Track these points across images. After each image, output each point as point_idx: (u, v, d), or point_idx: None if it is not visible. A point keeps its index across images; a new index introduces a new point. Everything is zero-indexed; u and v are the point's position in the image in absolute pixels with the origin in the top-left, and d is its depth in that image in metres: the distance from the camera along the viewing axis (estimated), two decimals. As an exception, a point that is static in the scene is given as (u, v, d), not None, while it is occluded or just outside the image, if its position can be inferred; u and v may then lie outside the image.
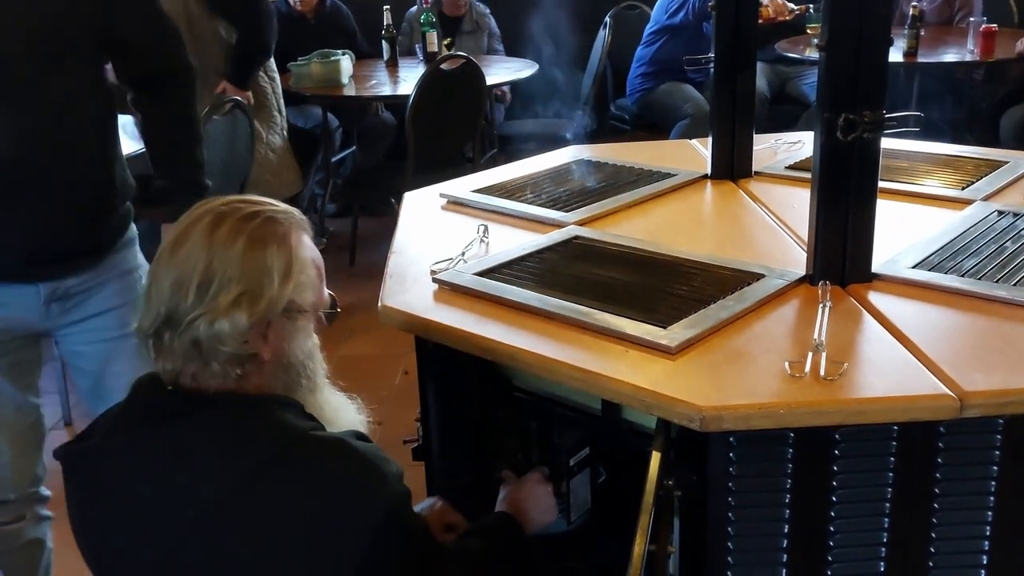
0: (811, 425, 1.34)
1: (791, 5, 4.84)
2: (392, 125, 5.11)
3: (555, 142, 3.86)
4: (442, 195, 2.26)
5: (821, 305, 1.54)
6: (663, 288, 1.68)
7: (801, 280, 1.69)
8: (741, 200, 2.20)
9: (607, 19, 5.27)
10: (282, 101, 4.25)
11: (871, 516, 1.43)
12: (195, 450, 1.25)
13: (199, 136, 2.12)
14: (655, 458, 1.33)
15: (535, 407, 1.72)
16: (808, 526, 1.42)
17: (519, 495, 1.62)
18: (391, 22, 5.01)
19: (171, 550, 1.24)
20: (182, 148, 2.08)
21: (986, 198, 2.09)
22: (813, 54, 4.62)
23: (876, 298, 1.62)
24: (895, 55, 4.47)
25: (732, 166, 2.32)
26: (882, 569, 1.45)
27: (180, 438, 1.27)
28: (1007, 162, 2.32)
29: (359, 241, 4.59)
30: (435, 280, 1.75)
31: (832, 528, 1.43)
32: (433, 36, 4.93)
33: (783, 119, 4.94)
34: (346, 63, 4.65)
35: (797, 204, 1.95)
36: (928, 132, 3.65)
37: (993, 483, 1.42)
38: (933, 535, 1.44)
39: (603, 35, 5.20)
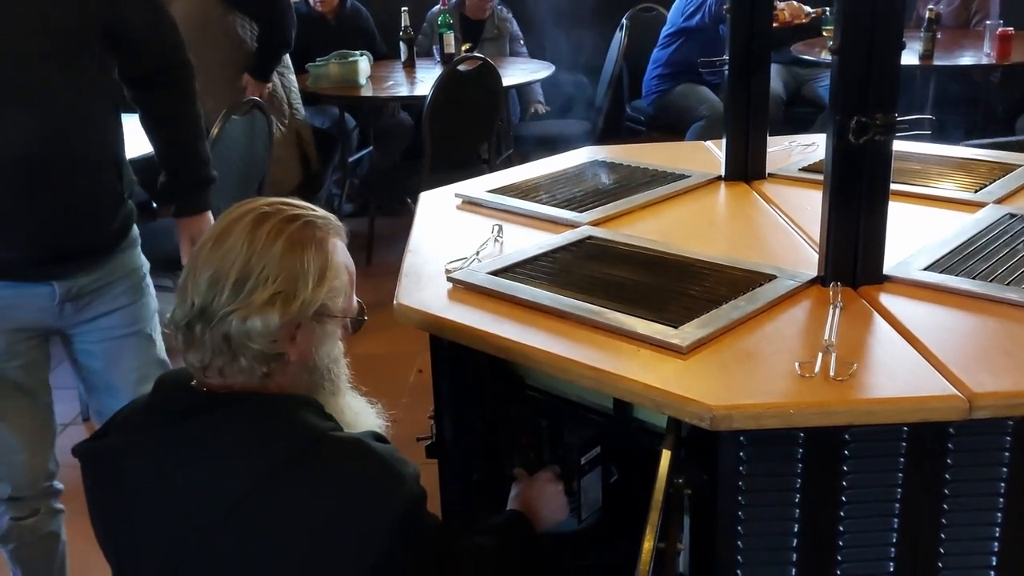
0: (821, 425, 1.35)
1: (807, 8, 4.84)
2: (409, 125, 5.14)
3: (572, 143, 3.87)
4: (457, 195, 2.27)
5: (832, 306, 1.55)
6: (675, 288, 1.69)
7: (813, 281, 1.70)
8: (754, 202, 2.21)
9: (623, 21, 5.28)
10: (294, 95, 4.27)
11: (881, 516, 1.44)
12: (217, 448, 1.27)
13: (203, 131, 2.15)
14: (665, 456, 1.35)
15: (547, 406, 1.74)
16: (818, 525, 1.43)
17: (531, 493, 1.64)
18: (409, 23, 5.03)
19: (191, 547, 1.26)
20: (188, 143, 2.10)
21: (999, 201, 2.09)
22: (829, 56, 4.62)
23: (887, 300, 1.63)
24: (911, 58, 4.47)
25: (746, 168, 2.33)
26: (891, 569, 1.46)
27: (202, 436, 1.29)
28: (1021, 165, 2.32)
29: (375, 240, 4.62)
30: (450, 279, 1.77)
31: (842, 528, 1.44)
32: (450, 37, 4.95)
33: (799, 121, 4.94)
34: (364, 64, 4.68)
35: (810, 206, 1.96)
36: (944, 135, 3.66)
37: (1003, 484, 1.43)
38: (943, 536, 1.45)
39: (619, 37, 5.21)
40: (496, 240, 1.94)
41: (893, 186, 2.04)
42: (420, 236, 2.05)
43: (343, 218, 1.44)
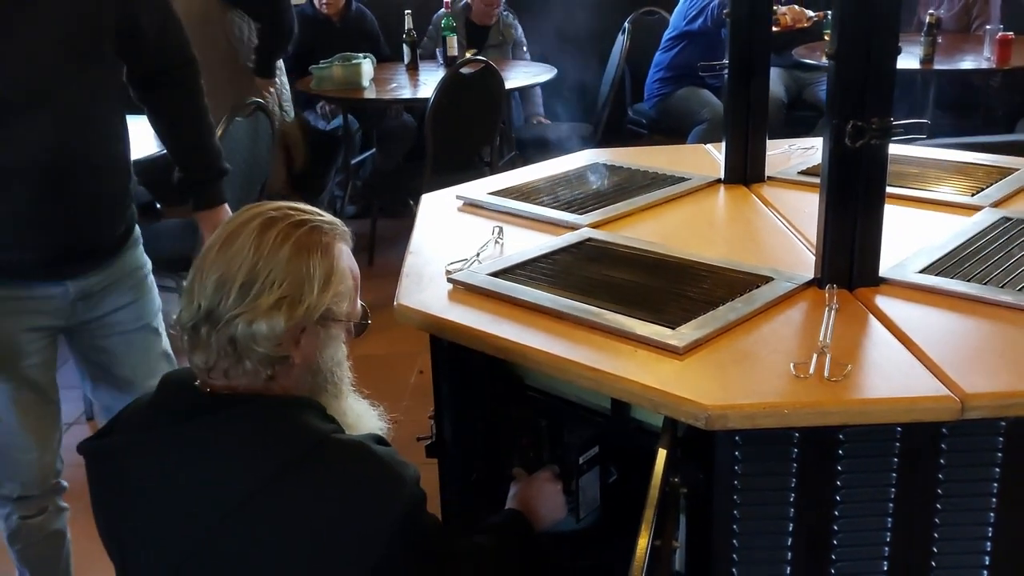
0: (814, 425, 1.37)
1: (809, 12, 4.85)
2: (412, 127, 5.16)
3: (573, 146, 3.89)
4: (458, 197, 2.29)
5: (827, 308, 1.57)
6: (673, 290, 1.71)
7: (809, 284, 1.71)
8: (753, 204, 2.23)
9: (626, 24, 5.29)
10: (285, 97, 4.29)
11: (875, 516, 1.45)
12: (220, 449, 1.29)
13: (212, 125, 2.18)
14: (661, 455, 1.36)
15: (546, 406, 1.76)
16: (813, 524, 1.45)
17: (529, 492, 1.65)
18: (412, 26, 5.05)
19: (193, 547, 1.27)
20: (201, 138, 2.14)
21: (995, 204, 2.11)
22: (830, 60, 4.62)
23: (883, 302, 1.65)
24: (912, 62, 4.48)
25: (745, 171, 2.35)
26: (885, 568, 1.48)
27: (206, 436, 1.30)
28: (1018, 169, 2.34)
29: (378, 242, 4.65)
30: (450, 280, 1.79)
31: (836, 527, 1.45)
32: (453, 40, 4.97)
33: (800, 124, 4.96)
34: (367, 66, 4.70)
35: (808, 209, 1.98)
36: (944, 139, 3.67)
37: (995, 484, 1.44)
38: (936, 535, 1.46)
39: (621, 40, 5.23)
40: (496, 242, 1.96)
41: (891, 189, 2.06)
42: (421, 237, 2.07)
43: (346, 220, 1.46)
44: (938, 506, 1.45)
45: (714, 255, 1.86)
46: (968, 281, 1.70)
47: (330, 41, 4.93)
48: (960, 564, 1.49)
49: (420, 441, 1.92)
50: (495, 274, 1.79)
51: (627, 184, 2.35)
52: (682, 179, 2.37)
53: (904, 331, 1.54)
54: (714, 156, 2.62)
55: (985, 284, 1.68)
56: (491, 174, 2.85)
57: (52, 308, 1.95)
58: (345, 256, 1.39)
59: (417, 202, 2.34)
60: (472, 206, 2.25)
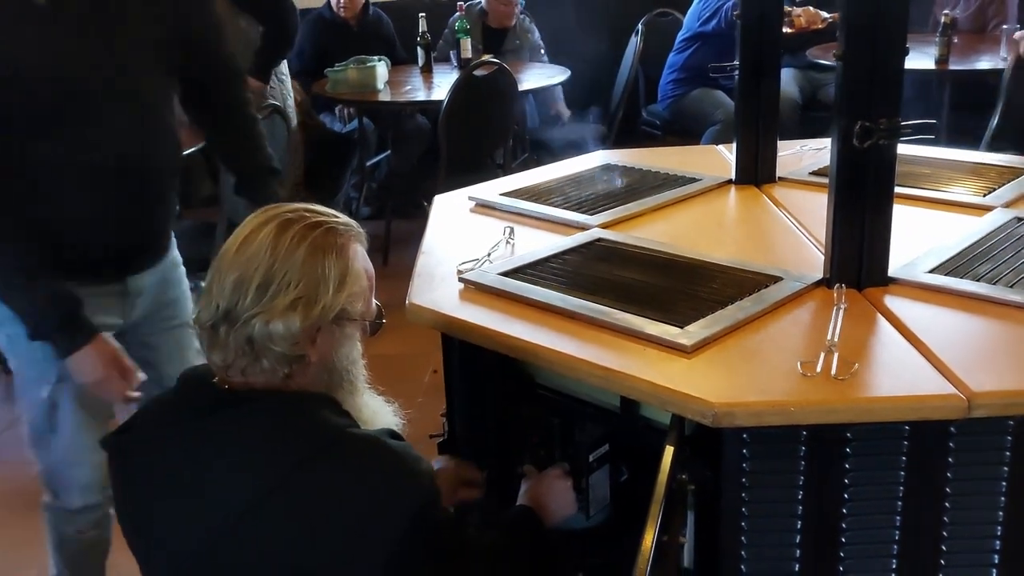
0: (821, 423, 1.38)
1: (824, 14, 4.85)
2: (427, 129, 5.18)
3: (587, 147, 3.90)
4: (471, 198, 2.31)
5: (836, 307, 1.58)
6: (682, 289, 1.72)
7: (818, 283, 1.72)
8: (764, 205, 2.24)
9: (639, 26, 5.30)
10: (289, 103, 4.31)
11: (883, 514, 1.46)
12: (239, 444, 1.32)
13: (260, 132, 2.20)
14: (668, 452, 1.38)
15: (557, 404, 1.77)
16: (821, 522, 1.46)
17: (540, 489, 1.67)
18: (426, 29, 5.08)
19: (213, 540, 1.30)
20: (255, 140, 2.16)
21: (1007, 205, 2.11)
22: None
23: (891, 301, 1.66)
24: (927, 62, 4.47)
25: (756, 171, 2.36)
26: (894, 566, 1.48)
27: (225, 432, 1.33)
28: (1031, 170, 2.34)
29: (392, 242, 4.67)
30: (461, 279, 1.80)
31: (844, 525, 1.46)
32: (467, 43, 4.99)
33: (815, 125, 4.94)
34: (381, 69, 4.73)
35: (819, 209, 1.98)
36: (961, 139, 3.67)
37: (1004, 483, 1.45)
38: (944, 533, 1.47)
39: (635, 42, 5.23)
40: (508, 242, 1.98)
41: (902, 190, 2.06)
42: (433, 238, 2.09)
43: (361, 221, 1.48)
44: (947, 505, 1.46)
45: (724, 255, 1.87)
46: (978, 281, 1.70)
47: (347, 44, 4.96)
48: (969, 563, 1.49)
49: (432, 438, 1.94)
50: (506, 274, 1.80)
51: (638, 185, 2.37)
52: (693, 180, 2.38)
53: (912, 330, 1.55)
54: (725, 157, 2.62)
55: (995, 284, 1.69)
56: (504, 175, 2.87)
57: (113, 306, 1.98)
58: (360, 257, 1.41)
59: (431, 203, 2.36)
60: (484, 207, 2.27)
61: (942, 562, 1.48)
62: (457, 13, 5.17)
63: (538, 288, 1.73)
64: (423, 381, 3.32)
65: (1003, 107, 3.91)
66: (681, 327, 1.55)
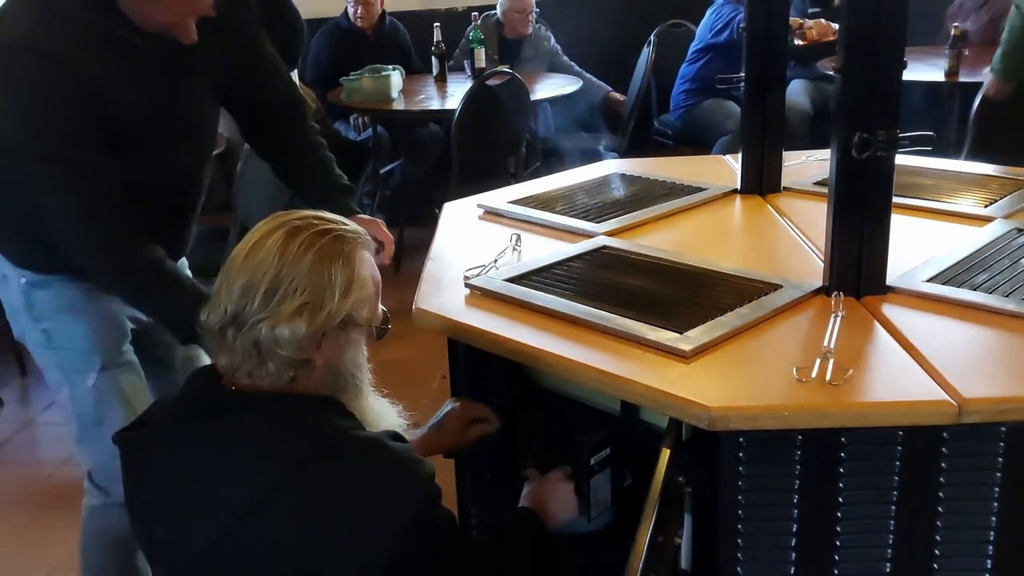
0: (814, 427, 1.41)
1: (835, 26, 4.85)
2: (441, 137, 5.23)
3: (598, 157, 3.93)
4: (479, 205, 2.35)
5: (833, 315, 1.61)
6: (684, 297, 1.75)
7: (817, 291, 1.75)
8: (768, 214, 2.27)
9: (651, 37, 5.34)
10: None
11: (878, 518, 1.49)
12: (244, 445, 1.35)
13: (326, 156, 2.21)
14: (664, 454, 1.41)
15: (560, 409, 1.80)
16: (816, 525, 1.49)
17: (542, 491, 1.70)
18: (440, 39, 5.13)
19: (218, 537, 1.33)
20: (321, 166, 2.18)
21: (1008, 216, 2.14)
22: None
23: (889, 309, 1.69)
24: (936, 75, 4.50)
25: (761, 181, 2.39)
26: (888, 569, 1.51)
27: (231, 432, 1.37)
28: (1033, 181, 2.37)
29: (405, 250, 4.71)
30: (467, 285, 1.84)
31: (839, 528, 1.49)
32: (481, 52, 5.04)
33: (826, 136, 4.93)
34: (396, 78, 4.78)
35: (821, 219, 2.01)
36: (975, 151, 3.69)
37: (997, 489, 1.47)
38: (938, 538, 1.50)
39: (646, 52, 5.27)
40: (514, 249, 2.01)
41: (905, 200, 2.10)
42: (442, 244, 2.13)
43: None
44: (940, 509, 1.48)
45: (726, 263, 1.90)
46: (975, 290, 1.73)
47: (363, 54, 5.02)
48: (962, 567, 1.51)
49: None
50: (511, 280, 1.84)
51: (644, 193, 2.40)
52: (699, 189, 2.41)
53: (908, 338, 1.57)
54: (732, 167, 2.65)
55: (991, 293, 1.71)
56: (516, 184, 2.91)
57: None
58: (366, 264, 1.44)
59: (442, 211, 2.40)
60: (492, 214, 2.31)
61: (935, 566, 1.51)
62: (472, 23, 5.22)
63: (543, 294, 1.77)
64: (432, 387, 3.35)
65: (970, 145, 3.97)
66: (680, 333, 1.58)
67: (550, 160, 5.01)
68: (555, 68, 5.45)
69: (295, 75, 4.26)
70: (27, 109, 1.72)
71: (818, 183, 2.42)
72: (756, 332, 1.62)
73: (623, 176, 2.58)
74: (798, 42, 5.03)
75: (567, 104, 5.08)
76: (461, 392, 1.91)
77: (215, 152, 2.27)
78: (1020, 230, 2.03)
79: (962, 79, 4.48)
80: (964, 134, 4.22)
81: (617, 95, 5.46)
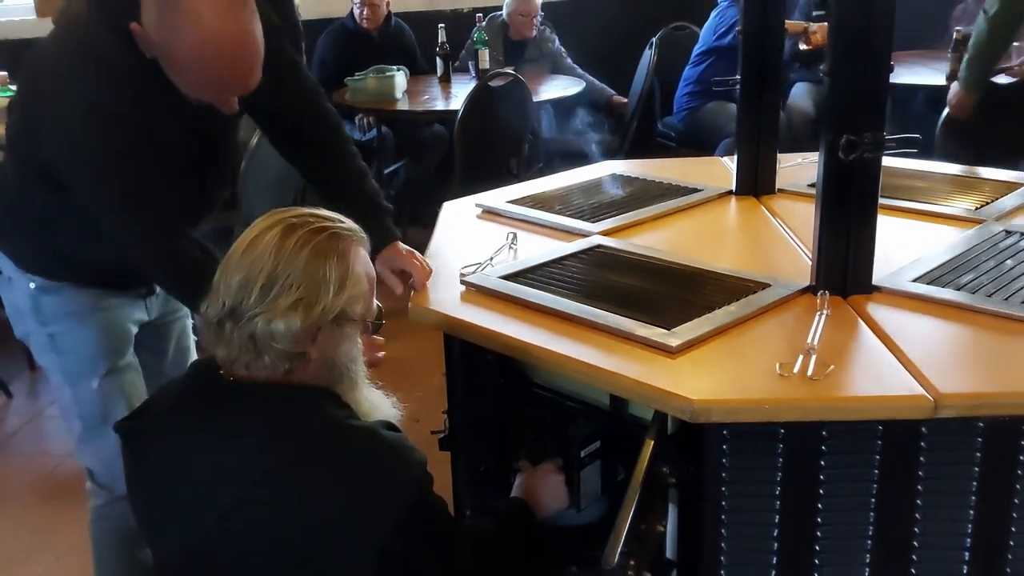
0: (794, 420, 1.45)
1: (838, 29, 4.89)
2: (445, 138, 5.27)
3: (601, 158, 3.96)
4: (477, 205, 2.39)
5: (818, 313, 1.65)
6: (675, 295, 1.79)
7: (805, 290, 1.79)
8: (761, 215, 2.31)
9: (654, 40, 5.37)
10: None
11: (858, 510, 1.53)
12: (242, 433, 1.40)
13: (365, 172, 2.20)
14: (647, 445, 1.45)
15: (552, 403, 1.84)
16: (798, 516, 1.52)
17: (533, 483, 1.74)
18: (445, 40, 5.18)
19: (213, 524, 1.38)
20: (354, 188, 2.16)
21: (998, 218, 2.17)
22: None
23: (873, 308, 1.72)
24: (937, 78, 4.53)
25: (755, 183, 2.43)
26: (868, 560, 1.55)
27: (229, 422, 1.42)
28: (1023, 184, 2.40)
29: (407, 249, 4.75)
30: (463, 282, 1.88)
31: (820, 519, 1.53)
32: (485, 53, 5.08)
33: (827, 139, 4.98)
34: (400, 78, 4.83)
35: (813, 220, 2.05)
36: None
37: (975, 483, 1.51)
38: (917, 529, 1.53)
39: (648, 55, 5.31)
40: (510, 247, 2.06)
41: (897, 202, 2.13)
42: (440, 242, 2.18)
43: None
44: (919, 502, 1.52)
45: (718, 263, 1.94)
46: (959, 290, 1.77)
47: (368, 54, 5.06)
48: (941, 558, 1.55)
49: (434, 435, 2.02)
50: (506, 277, 1.88)
51: (641, 194, 2.44)
52: (695, 190, 2.45)
53: (890, 336, 1.61)
54: (729, 168, 2.69)
55: (974, 293, 1.75)
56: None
57: (149, 305, 2.10)
58: (361, 260, 1.49)
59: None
60: (490, 213, 2.35)
61: (914, 557, 1.55)
62: (477, 25, 5.27)
63: (537, 291, 1.81)
64: (432, 384, 3.39)
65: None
66: (669, 329, 1.62)
67: (553, 161, 5.05)
68: (559, 70, 5.48)
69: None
70: (97, 171, 1.76)
71: (811, 185, 2.45)
72: (743, 329, 1.66)
73: (620, 177, 2.62)
74: (803, 46, 5.07)
75: (570, 106, 5.11)
76: (457, 387, 1.95)
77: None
78: (1009, 232, 2.06)
79: (962, 83, 4.49)
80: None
81: (621, 98, 5.50)
